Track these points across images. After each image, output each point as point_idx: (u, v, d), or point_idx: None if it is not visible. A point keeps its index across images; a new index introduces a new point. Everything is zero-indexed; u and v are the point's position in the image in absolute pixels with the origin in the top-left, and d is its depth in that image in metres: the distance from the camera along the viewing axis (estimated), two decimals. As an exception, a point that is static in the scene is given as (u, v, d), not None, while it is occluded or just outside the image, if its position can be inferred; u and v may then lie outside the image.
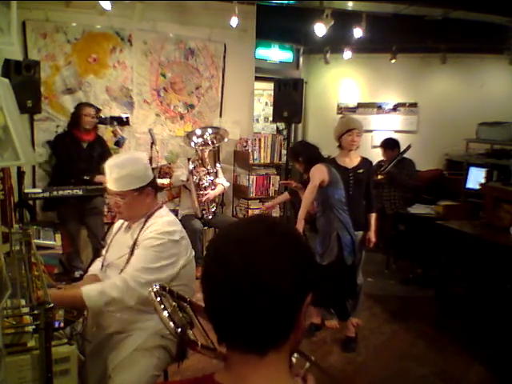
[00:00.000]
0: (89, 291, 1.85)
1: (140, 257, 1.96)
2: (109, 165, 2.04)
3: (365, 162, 3.65)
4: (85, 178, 4.16)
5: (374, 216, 3.69)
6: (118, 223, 2.25)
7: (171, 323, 1.02)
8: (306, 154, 3.44)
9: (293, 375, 0.93)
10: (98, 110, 4.67)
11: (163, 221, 2.05)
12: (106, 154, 4.42)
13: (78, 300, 1.84)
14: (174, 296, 1.13)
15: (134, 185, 2.02)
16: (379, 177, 5.04)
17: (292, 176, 5.47)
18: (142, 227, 2.04)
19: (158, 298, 1.08)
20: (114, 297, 1.86)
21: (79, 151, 4.24)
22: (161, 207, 2.14)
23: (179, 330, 1.02)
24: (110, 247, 2.20)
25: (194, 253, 2.18)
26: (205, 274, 0.82)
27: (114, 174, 2.02)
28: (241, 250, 0.77)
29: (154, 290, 1.11)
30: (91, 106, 4.39)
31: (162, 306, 1.06)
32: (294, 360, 1.01)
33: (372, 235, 3.66)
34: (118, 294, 1.86)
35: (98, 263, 2.26)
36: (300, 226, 3.20)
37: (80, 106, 4.34)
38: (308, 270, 0.82)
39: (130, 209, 2.08)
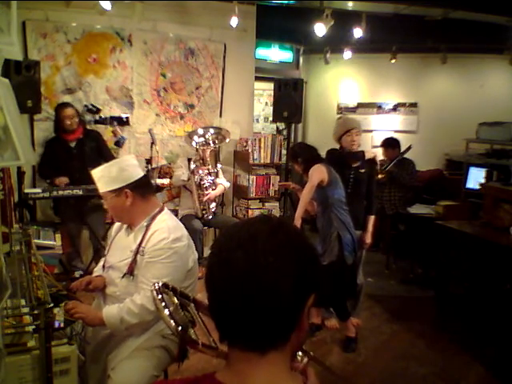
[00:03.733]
0: (110, 317, 1.91)
1: (154, 271, 1.92)
2: (95, 169, 2.05)
3: (368, 162, 3.66)
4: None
5: (372, 218, 3.69)
6: (117, 224, 2.25)
7: (172, 322, 1.02)
8: (305, 155, 3.46)
9: (293, 369, 0.93)
10: (98, 110, 4.67)
11: (168, 227, 2.01)
12: (101, 146, 4.40)
13: (100, 322, 1.92)
14: (177, 294, 1.13)
15: (109, 186, 2.00)
16: (379, 176, 5.06)
17: (292, 176, 5.47)
18: (145, 232, 2.01)
19: (160, 296, 1.08)
20: (133, 323, 1.92)
21: (68, 152, 4.20)
22: (162, 210, 2.11)
23: (180, 328, 1.02)
24: (110, 249, 2.19)
25: (196, 253, 2.18)
26: (208, 273, 0.82)
27: (94, 177, 2.04)
28: (244, 250, 0.77)
29: (156, 287, 1.11)
30: (68, 105, 4.26)
31: (163, 304, 1.06)
32: (299, 358, 1.01)
33: (368, 236, 3.66)
34: (136, 321, 1.91)
35: (101, 264, 2.26)
36: (297, 224, 3.21)
37: (58, 109, 4.22)
38: (311, 271, 0.81)
39: (114, 211, 2.08)
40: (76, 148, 4.24)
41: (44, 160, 4.24)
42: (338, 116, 6.78)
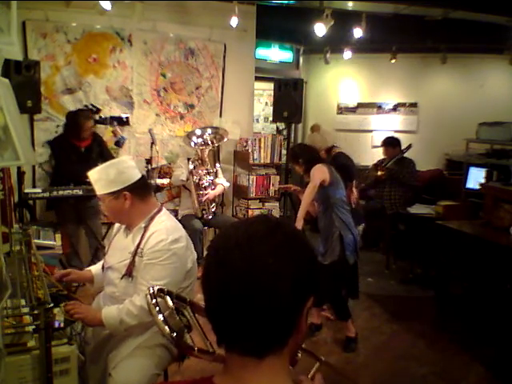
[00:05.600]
0: (109, 318, 1.91)
1: (153, 273, 1.92)
2: (91, 170, 2.04)
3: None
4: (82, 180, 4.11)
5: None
6: (117, 224, 2.24)
7: (166, 327, 1.01)
8: (306, 156, 3.47)
9: (299, 374, 0.93)
10: (98, 110, 4.66)
11: (166, 227, 2.00)
12: (104, 151, 4.41)
13: (99, 323, 1.92)
14: (172, 298, 1.11)
15: (108, 189, 1.98)
16: (379, 173, 5.08)
17: (292, 176, 5.47)
18: (144, 233, 2.00)
19: (154, 301, 1.06)
20: (132, 325, 1.92)
21: (77, 155, 4.19)
22: (160, 210, 2.09)
23: (174, 334, 1.00)
24: (110, 249, 2.19)
25: (195, 253, 2.18)
26: (205, 274, 0.81)
27: (91, 179, 2.03)
28: (241, 251, 0.76)
29: (151, 292, 1.09)
30: (89, 116, 4.25)
31: (157, 309, 1.04)
32: (299, 356, 1.00)
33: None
34: (135, 322, 1.91)
35: (100, 263, 2.27)
36: (299, 225, 3.21)
37: (79, 119, 4.17)
38: (309, 273, 0.80)
39: (113, 213, 2.07)
40: (85, 152, 4.25)
41: (61, 164, 4.22)
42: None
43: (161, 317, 1.02)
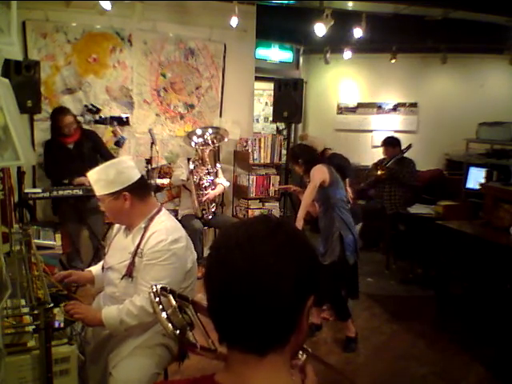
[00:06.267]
0: (109, 319, 1.91)
1: (152, 273, 1.92)
2: (90, 171, 2.04)
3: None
4: (64, 181, 4.08)
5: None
6: (117, 224, 2.24)
7: (170, 325, 1.02)
8: (306, 157, 3.47)
9: (292, 367, 0.93)
10: (98, 110, 4.66)
11: (166, 228, 2.00)
12: (98, 145, 4.39)
13: (99, 323, 1.92)
14: (175, 296, 1.12)
15: (107, 189, 1.98)
16: (379, 172, 5.08)
17: (292, 176, 5.48)
18: (143, 234, 2.00)
19: (157, 299, 1.07)
20: (132, 325, 1.92)
21: (66, 153, 4.19)
22: (160, 210, 2.09)
23: (177, 332, 1.01)
24: (110, 249, 2.19)
25: (195, 253, 2.18)
26: (207, 274, 0.82)
27: (91, 180, 2.02)
28: (242, 250, 0.77)
29: (154, 290, 1.10)
30: (67, 112, 4.19)
31: (161, 307, 1.05)
32: (299, 356, 1.01)
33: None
34: (136, 322, 1.91)
35: (100, 264, 2.27)
36: (299, 225, 3.22)
37: (57, 117, 4.15)
38: (310, 272, 0.81)
39: (112, 213, 2.07)
40: (74, 149, 4.23)
41: (49, 163, 4.23)
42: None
43: (164, 314, 1.03)
